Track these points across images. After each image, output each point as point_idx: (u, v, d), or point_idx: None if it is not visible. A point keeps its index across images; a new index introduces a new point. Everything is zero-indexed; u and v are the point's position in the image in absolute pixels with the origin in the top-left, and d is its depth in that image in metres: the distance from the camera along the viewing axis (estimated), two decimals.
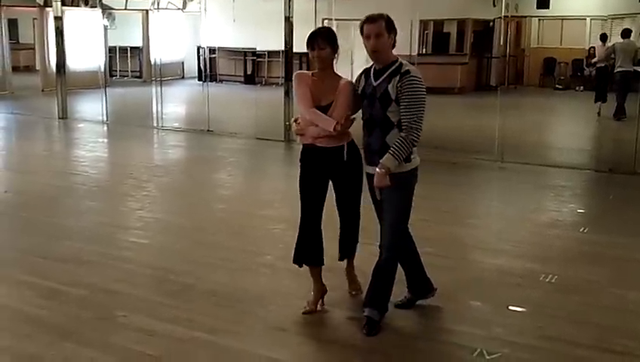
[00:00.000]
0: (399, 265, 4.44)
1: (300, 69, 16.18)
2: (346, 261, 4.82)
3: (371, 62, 4.29)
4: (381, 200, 4.25)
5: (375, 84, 4.18)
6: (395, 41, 4.22)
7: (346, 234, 4.67)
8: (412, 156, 4.21)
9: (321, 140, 4.34)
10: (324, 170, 4.46)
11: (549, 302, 4.84)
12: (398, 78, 4.08)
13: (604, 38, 16.07)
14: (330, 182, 4.54)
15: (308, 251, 4.52)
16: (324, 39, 4.32)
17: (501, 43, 18.86)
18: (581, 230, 6.69)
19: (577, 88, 20.31)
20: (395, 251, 4.29)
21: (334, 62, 4.43)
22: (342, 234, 4.68)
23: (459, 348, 4.13)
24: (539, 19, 21.96)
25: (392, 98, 4.09)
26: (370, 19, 4.16)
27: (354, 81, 4.42)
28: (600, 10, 20.05)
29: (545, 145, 11.87)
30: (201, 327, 4.32)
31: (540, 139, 12.46)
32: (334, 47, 4.36)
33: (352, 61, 16.04)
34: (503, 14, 14.83)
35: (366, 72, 4.32)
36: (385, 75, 4.15)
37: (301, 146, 4.53)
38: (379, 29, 4.13)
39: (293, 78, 4.54)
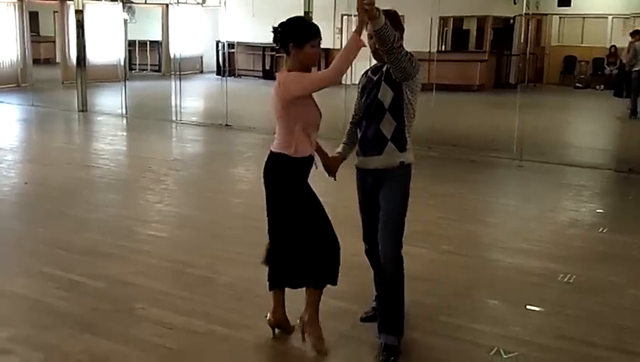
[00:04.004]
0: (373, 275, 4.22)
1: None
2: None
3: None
4: (377, 208, 3.97)
5: (375, 77, 4.01)
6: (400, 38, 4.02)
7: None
8: (407, 146, 3.92)
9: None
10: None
11: (568, 301, 4.82)
12: None
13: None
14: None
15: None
16: None
17: (521, 40, 18.79)
18: (600, 230, 6.65)
19: (598, 87, 20.14)
20: (399, 263, 3.93)
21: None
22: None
23: (476, 346, 4.11)
24: (560, 17, 21.78)
25: (382, 80, 3.92)
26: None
27: (357, 82, 4.23)
28: (622, 9, 19.85)
29: (564, 144, 11.77)
30: (219, 321, 4.35)
31: (560, 138, 12.37)
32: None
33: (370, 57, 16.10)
34: (523, 12, 14.77)
35: (365, 71, 4.17)
36: (383, 67, 3.98)
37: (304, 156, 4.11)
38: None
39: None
